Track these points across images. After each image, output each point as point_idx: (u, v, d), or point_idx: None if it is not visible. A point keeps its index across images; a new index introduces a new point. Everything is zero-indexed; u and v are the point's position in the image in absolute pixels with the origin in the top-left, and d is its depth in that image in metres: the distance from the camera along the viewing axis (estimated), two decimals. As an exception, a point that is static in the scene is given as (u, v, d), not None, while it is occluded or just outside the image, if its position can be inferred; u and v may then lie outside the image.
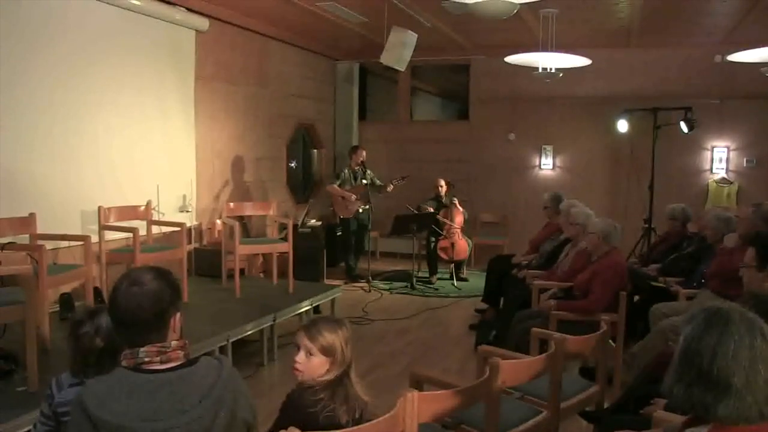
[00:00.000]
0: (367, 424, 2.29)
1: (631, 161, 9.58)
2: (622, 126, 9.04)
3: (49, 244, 4.89)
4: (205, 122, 7.73)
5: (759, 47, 6.21)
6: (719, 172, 9.41)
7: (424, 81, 12.21)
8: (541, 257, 6.55)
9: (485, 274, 7.27)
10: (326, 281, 8.21)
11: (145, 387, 1.86)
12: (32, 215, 5.12)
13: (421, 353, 6.09)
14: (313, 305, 6.38)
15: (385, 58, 7.57)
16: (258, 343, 5.67)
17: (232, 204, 7.23)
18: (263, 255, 7.61)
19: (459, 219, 9.00)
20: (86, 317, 2.48)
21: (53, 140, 5.72)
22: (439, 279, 9.04)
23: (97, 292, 5.42)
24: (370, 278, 8.79)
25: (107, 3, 6.14)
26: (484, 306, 7.10)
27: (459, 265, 9.13)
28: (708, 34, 8.46)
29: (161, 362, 1.92)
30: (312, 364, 2.38)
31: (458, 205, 9.02)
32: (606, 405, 3.84)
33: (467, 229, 9.20)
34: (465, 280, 9.09)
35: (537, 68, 7.46)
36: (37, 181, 5.55)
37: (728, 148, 9.36)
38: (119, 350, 2.30)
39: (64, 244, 5.58)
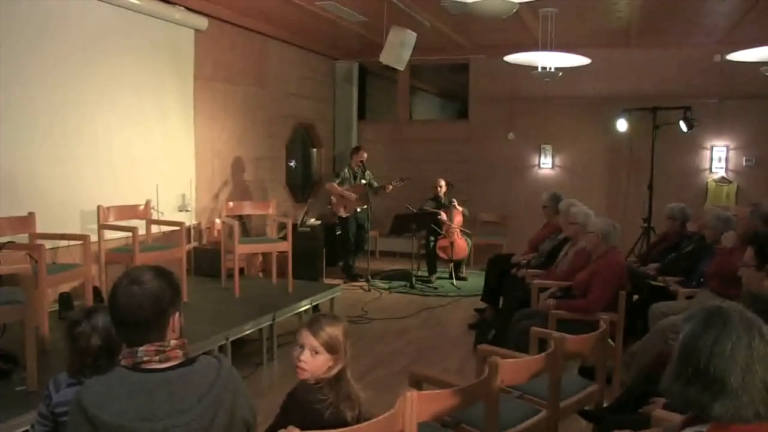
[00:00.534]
0: (368, 423, 2.29)
1: (630, 161, 9.59)
2: (622, 125, 9.05)
3: (48, 244, 4.88)
4: (204, 122, 7.73)
5: (758, 47, 6.20)
6: (718, 171, 9.41)
7: (424, 80, 12.21)
8: (540, 257, 6.54)
9: (484, 273, 7.27)
10: (325, 280, 8.21)
11: (144, 386, 1.86)
12: (31, 215, 5.12)
13: (420, 352, 6.09)
14: (313, 304, 6.38)
15: (385, 58, 7.56)
16: (257, 342, 5.67)
17: (231, 203, 7.23)
18: (262, 254, 7.61)
19: (458, 219, 9.01)
20: (83, 317, 2.48)
21: (53, 140, 5.71)
22: (438, 278, 9.04)
23: (96, 291, 5.41)
24: (370, 277, 8.79)
25: (106, 2, 6.14)
26: (483, 305, 7.10)
27: (458, 264, 9.13)
28: (707, 33, 8.46)
29: (160, 361, 1.91)
30: (317, 363, 2.39)
31: (457, 205, 9.02)
32: (605, 404, 3.83)
33: (466, 229, 9.19)
34: (464, 279, 9.09)
35: (536, 68, 7.46)
36: (37, 180, 5.55)
37: (727, 147, 9.36)
38: (117, 350, 2.30)
39: (64, 243, 5.57)
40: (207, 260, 7.21)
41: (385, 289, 8.59)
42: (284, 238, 6.77)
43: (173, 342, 1.96)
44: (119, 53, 6.42)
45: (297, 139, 10.31)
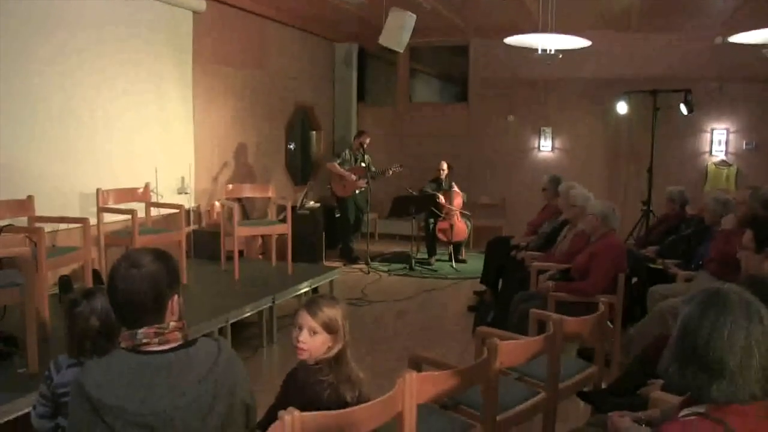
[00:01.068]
0: (367, 404, 2.30)
1: (630, 144, 9.58)
2: (622, 108, 9.03)
3: (47, 227, 4.88)
4: (203, 104, 7.70)
5: (760, 28, 6.16)
6: (718, 154, 9.40)
7: (423, 63, 12.15)
8: (539, 239, 6.55)
9: (484, 255, 7.28)
10: (325, 263, 8.22)
11: (143, 369, 1.87)
12: (30, 198, 5.12)
13: (419, 335, 6.11)
14: (312, 287, 6.38)
15: (384, 40, 7.54)
16: (257, 324, 5.69)
17: (230, 186, 7.23)
18: (262, 237, 7.62)
19: (458, 201, 9.01)
20: (81, 297, 2.49)
21: (51, 124, 5.69)
22: (437, 260, 9.06)
23: (96, 274, 5.42)
24: (369, 260, 8.80)
25: (104, -16, 6.11)
26: (482, 288, 7.11)
27: (458, 246, 9.14)
28: (708, 15, 8.41)
29: (159, 344, 1.92)
30: (316, 343, 2.40)
31: (457, 189, 9.02)
32: (603, 386, 3.85)
33: (466, 211, 9.20)
34: (464, 261, 9.10)
35: (536, 50, 7.42)
36: (36, 164, 5.54)
37: (728, 130, 9.34)
38: (116, 331, 2.32)
39: (63, 226, 5.57)
40: (206, 243, 7.21)
41: (384, 271, 8.60)
42: (283, 220, 6.78)
43: (172, 324, 1.96)
44: (117, 36, 6.37)
45: (296, 121, 10.27)
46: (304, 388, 2.34)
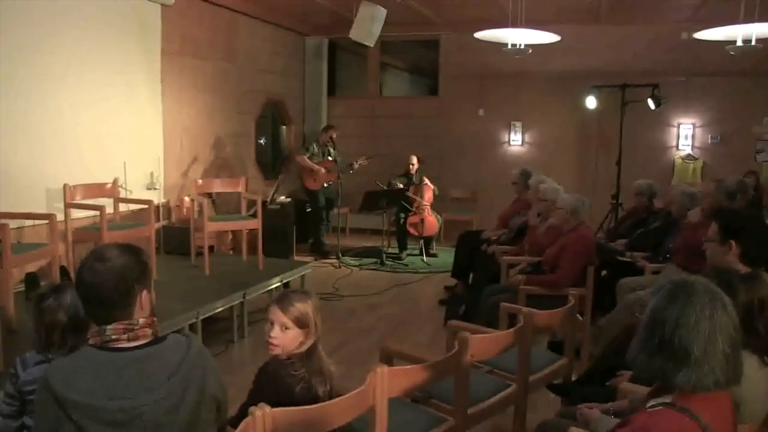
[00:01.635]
0: (338, 399, 2.30)
1: (599, 137, 9.67)
2: (591, 102, 9.11)
3: (12, 223, 4.82)
4: (172, 98, 7.63)
5: (724, 25, 6.25)
6: (685, 148, 9.53)
7: (394, 57, 12.17)
8: (509, 232, 6.59)
9: (454, 249, 7.30)
10: (296, 258, 8.20)
11: (111, 365, 1.85)
12: (-5, 193, 5.04)
13: (391, 328, 6.12)
14: (283, 282, 6.36)
15: (355, 34, 7.53)
16: (228, 320, 5.66)
17: (200, 181, 7.16)
18: (232, 232, 7.57)
19: (428, 195, 9.03)
20: (50, 291, 2.47)
21: (16, 116, 5.60)
22: (408, 255, 9.07)
23: (63, 270, 5.35)
24: (340, 254, 8.79)
25: (70, -25, 6.02)
26: (453, 282, 7.14)
27: (428, 241, 9.17)
28: (675, 11, 8.52)
29: (128, 340, 1.90)
30: (288, 338, 2.40)
31: (428, 182, 9.04)
32: (574, 377, 3.90)
33: (436, 205, 9.23)
34: (434, 255, 9.13)
35: (506, 44, 7.45)
36: (0, 158, 5.44)
37: (694, 125, 9.48)
38: (84, 327, 2.31)
39: (29, 222, 5.50)
40: (176, 238, 7.16)
41: (355, 266, 8.60)
42: (254, 215, 6.75)
43: (142, 320, 1.94)
44: (84, 27, 6.29)
45: (266, 115, 10.22)
46: (276, 381, 2.34)
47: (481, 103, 10.31)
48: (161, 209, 7.41)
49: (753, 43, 6.07)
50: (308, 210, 9.20)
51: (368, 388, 2.40)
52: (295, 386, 2.33)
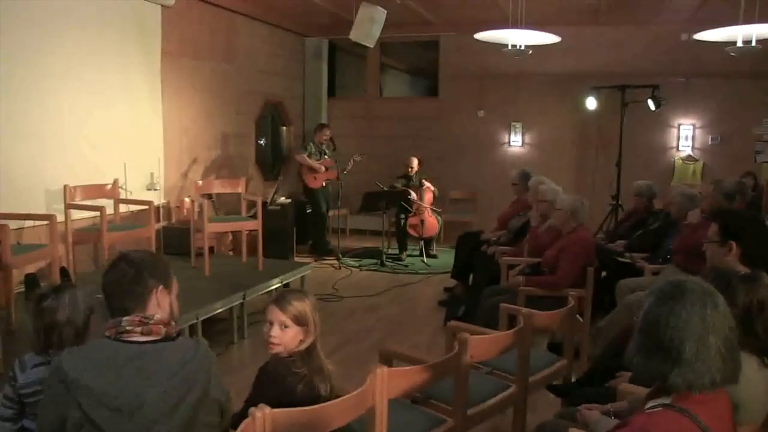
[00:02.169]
0: (338, 399, 2.31)
1: (599, 138, 9.67)
2: (591, 103, 9.10)
3: (12, 224, 4.82)
4: (171, 99, 7.63)
5: (724, 26, 6.26)
6: (685, 149, 9.53)
7: (394, 58, 12.16)
8: (509, 233, 6.59)
9: (454, 250, 7.30)
10: (296, 259, 8.20)
11: (117, 355, 1.92)
12: (-6, 194, 5.04)
13: (390, 329, 6.12)
14: (283, 283, 6.36)
15: (354, 35, 7.52)
16: (228, 321, 5.65)
17: (200, 182, 7.17)
18: (232, 233, 7.57)
19: (428, 197, 9.03)
20: (50, 291, 2.48)
21: (16, 117, 5.60)
22: (408, 256, 9.07)
23: (63, 271, 5.35)
24: (340, 255, 8.80)
25: (70, -24, 6.02)
26: (452, 284, 7.13)
27: (428, 242, 9.17)
28: (675, 12, 8.52)
29: (142, 333, 1.98)
30: (287, 337, 2.42)
31: (428, 184, 9.04)
32: (573, 378, 3.89)
33: (436, 206, 9.22)
34: (434, 256, 9.13)
35: (506, 45, 7.45)
36: (0, 159, 5.45)
37: (694, 126, 9.48)
38: (84, 330, 2.33)
39: (29, 223, 5.49)
40: (176, 239, 7.16)
41: (355, 266, 8.60)
42: (254, 216, 6.75)
43: (158, 317, 2.03)
44: (84, 28, 6.30)
45: (266, 116, 10.22)
46: (277, 380, 2.35)
47: (481, 104, 10.31)
48: (161, 210, 7.42)
49: (753, 44, 6.08)
50: (308, 211, 9.20)
51: (368, 389, 2.40)
52: (297, 385, 2.34)
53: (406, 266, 8.71)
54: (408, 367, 2.74)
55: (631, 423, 1.81)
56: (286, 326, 2.41)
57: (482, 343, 3.12)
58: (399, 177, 9.18)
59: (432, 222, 9.05)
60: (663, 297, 1.80)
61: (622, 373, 3.13)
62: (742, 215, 3.94)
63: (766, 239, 3.29)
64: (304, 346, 2.42)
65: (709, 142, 9.43)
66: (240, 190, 7.21)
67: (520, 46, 7.23)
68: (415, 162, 9.15)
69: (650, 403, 1.86)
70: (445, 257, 8.75)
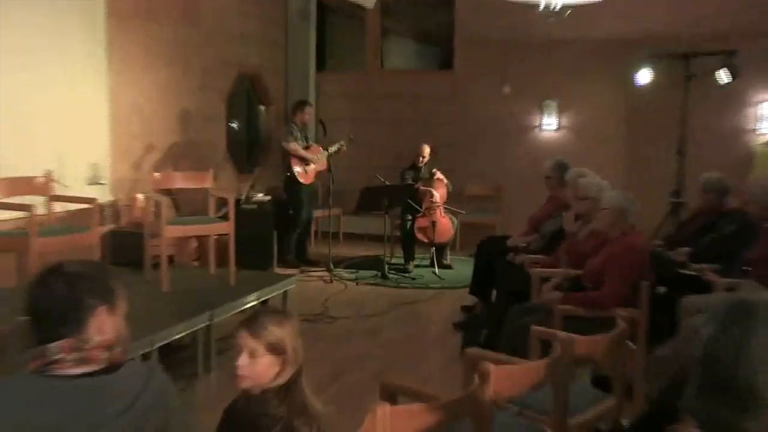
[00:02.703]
0: (327, 446, 2.29)
1: (655, 120, 9.64)
2: (644, 76, 9.07)
3: None
4: (121, 71, 7.63)
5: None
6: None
7: (398, 21, 12.18)
8: (542, 239, 6.58)
9: (473, 259, 7.30)
10: (277, 270, 8.20)
11: (49, 394, 1.87)
12: None
13: (394, 358, 6.14)
14: (261, 300, 6.37)
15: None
16: (191, 348, 5.66)
17: (157, 174, 7.16)
18: (197, 238, 7.57)
19: (441, 192, 9.02)
20: None
21: None
22: (416, 266, 9.10)
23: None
24: (332, 266, 8.79)
25: None
26: (471, 301, 7.14)
27: (441, 249, 9.18)
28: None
29: (76, 362, 1.93)
30: (258, 368, 2.40)
31: (442, 177, 9.03)
32: (624, 422, 3.87)
33: (451, 205, 9.22)
34: (449, 267, 9.14)
35: (538, 5, 7.44)
36: None
37: (778, 102, 9.44)
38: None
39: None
40: (126, 246, 7.15)
41: (351, 280, 8.61)
42: (225, 217, 6.74)
43: (97, 339, 1.98)
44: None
45: (240, 93, 10.25)
46: (244, 424, 2.33)
47: (506, 78, 10.30)
48: (107, 210, 7.40)
49: None
50: (290, 212, 9.16)
51: (366, 431, 2.38)
52: (272, 429, 2.31)
53: (414, 279, 8.72)
54: (416, 405, 2.72)
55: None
56: (256, 355, 2.39)
57: (509, 376, 3.10)
58: (407, 168, 9.16)
59: (445, 224, 9.04)
60: (726, 323, 1.75)
61: (686, 417, 3.10)
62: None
63: None
64: (281, 381, 2.40)
65: (799, 123, 9.40)
66: (207, 184, 7.19)
67: (555, 7, 7.21)
68: (427, 150, 9.16)
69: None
70: (462, 268, 8.76)
